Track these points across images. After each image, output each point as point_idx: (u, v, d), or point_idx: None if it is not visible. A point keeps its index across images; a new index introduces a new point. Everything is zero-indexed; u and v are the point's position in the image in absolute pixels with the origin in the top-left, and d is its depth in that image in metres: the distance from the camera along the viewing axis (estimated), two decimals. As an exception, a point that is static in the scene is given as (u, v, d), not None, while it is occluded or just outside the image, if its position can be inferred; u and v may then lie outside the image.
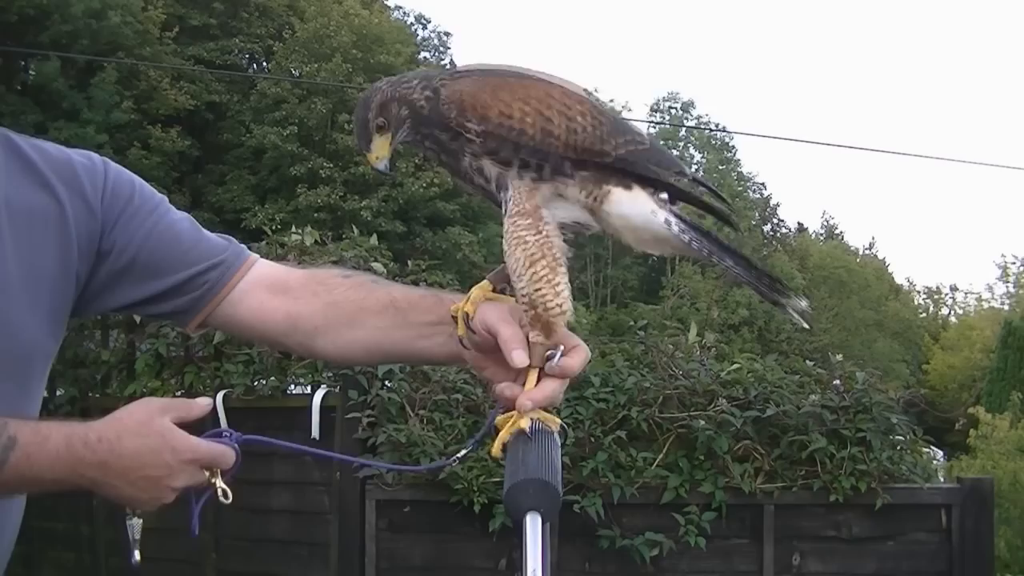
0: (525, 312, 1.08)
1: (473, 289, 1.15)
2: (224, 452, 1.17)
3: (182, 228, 1.30)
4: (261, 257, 1.35)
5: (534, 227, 1.06)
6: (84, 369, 4.57)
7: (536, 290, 1.06)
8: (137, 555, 1.24)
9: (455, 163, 1.10)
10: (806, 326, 1.15)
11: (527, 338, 1.08)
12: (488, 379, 1.17)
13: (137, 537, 1.24)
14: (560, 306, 1.07)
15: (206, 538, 4.31)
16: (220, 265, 1.29)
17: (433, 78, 1.10)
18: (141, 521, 1.23)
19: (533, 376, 1.10)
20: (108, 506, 4.63)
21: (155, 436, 1.13)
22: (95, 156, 1.29)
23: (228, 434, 1.19)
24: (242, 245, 1.35)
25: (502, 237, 1.09)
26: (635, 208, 1.12)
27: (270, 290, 1.30)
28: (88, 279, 1.25)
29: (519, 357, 1.07)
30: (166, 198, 1.33)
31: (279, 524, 4.04)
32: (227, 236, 1.36)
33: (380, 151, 1.09)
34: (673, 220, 1.15)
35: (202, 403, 1.18)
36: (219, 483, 1.17)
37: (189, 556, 4.33)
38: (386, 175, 1.13)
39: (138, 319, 4.38)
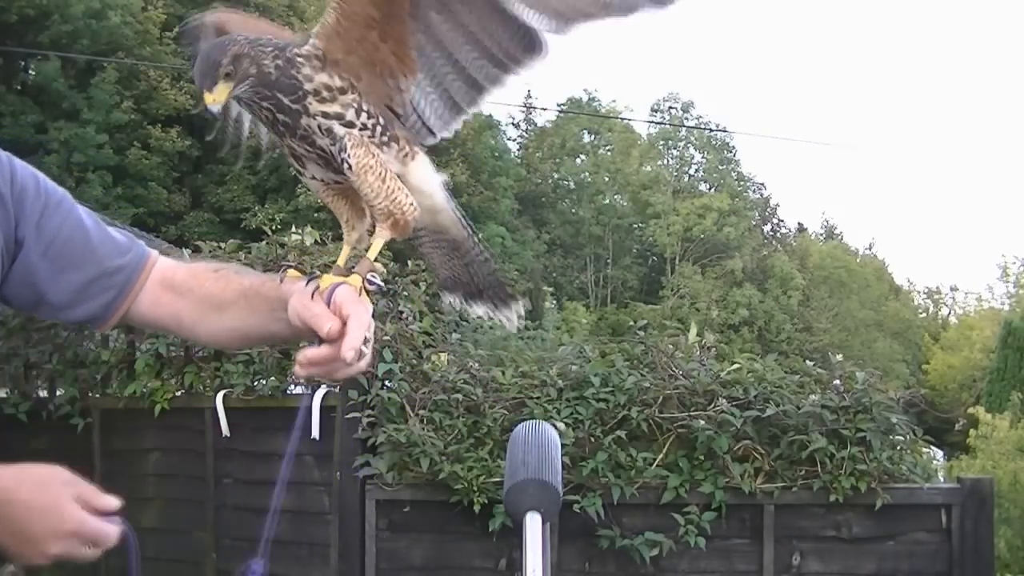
0: (385, 221, 1.26)
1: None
2: (108, 534, 1.18)
3: (88, 223, 1.35)
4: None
5: (373, 155, 1.25)
6: (84, 369, 4.56)
7: (393, 200, 1.25)
8: None
9: (293, 123, 1.23)
10: (512, 329, 1.45)
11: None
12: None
13: None
14: (412, 205, 1.28)
15: (206, 538, 4.32)
16: (126, 268, 1.36)
17: (286, 49, 1.23)
18: (12, 570, 1.26)
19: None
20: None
21: (51, 497, 1.16)
22: None
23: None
24: (141, 242, 1.42)
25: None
26: (430, 173, 1.34)
27: (162, 287, 1.39)
28: (8, 269, 1.29)
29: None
30: (68, 193, 1.37)
31: (279, 524, 4.03)
32: (127, 232, 1.42)
33: (220, 95, 1.20)
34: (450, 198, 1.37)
35: (110, 502, 1.20)
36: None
37: (189, 556, 4.33)
38: (216, 117, 1.26)
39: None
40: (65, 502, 1.16)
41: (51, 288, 1.31)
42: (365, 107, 1.25)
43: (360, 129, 1.24)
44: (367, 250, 1.30)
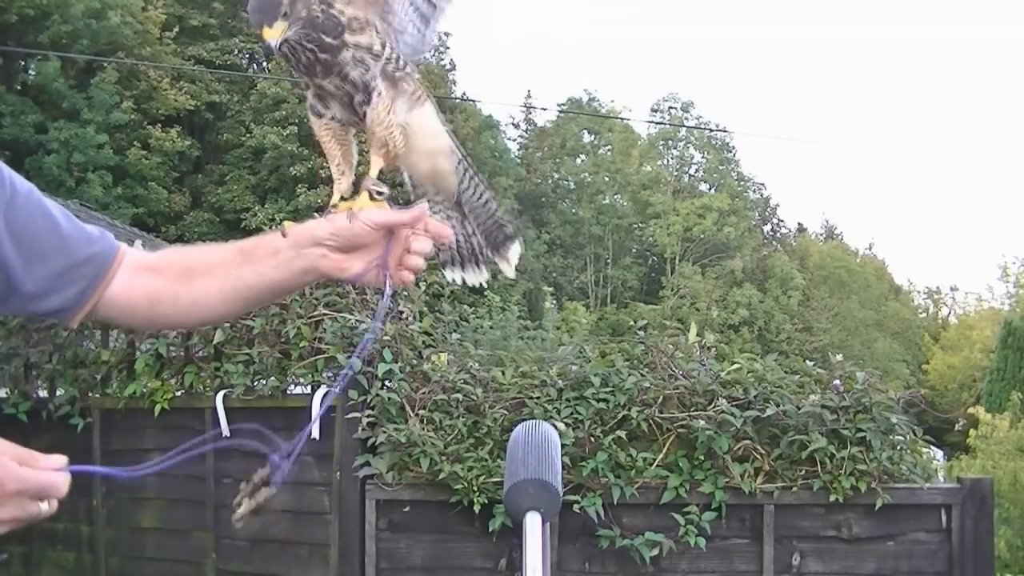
0: (379, 150, 1.36)
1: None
2: (55, 483, 1.13)
3: (57, 214, 1.34)
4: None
5: (386, 87, 1.34)
6: (84, 369, 4.56)
7: (390, 132, 1.35)
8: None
9: (333, 59, 1.31)
10: (511, 274, 1.52)
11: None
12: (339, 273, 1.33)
13: None
14: (402, 140, 1.37)
15: (206, 538, 4.32)
16: (97, 257, 1.34)
17: None
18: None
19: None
20: (109, 506, 4.64)
21: None
22: None
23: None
24: (110, 233, 1.39)
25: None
26: (435, 117, 1.42)
27: (136, 270, 1.36)
28: None
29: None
30: (35, 186, 1.35)
31: (279, 524, 4.04)
32: (98, 226, 1.40)
33: (278, 32, 1.26)
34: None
35: (53, 460, 1.15)
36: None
37: (189, 556, 4.33)
38: (274, 53, 1.31)
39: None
40: (1, 464, 1.10)
41: (23, 279, 1.29)
42: (386, 40, 1.33)
43: (385, 61, 1.33)
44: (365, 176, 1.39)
